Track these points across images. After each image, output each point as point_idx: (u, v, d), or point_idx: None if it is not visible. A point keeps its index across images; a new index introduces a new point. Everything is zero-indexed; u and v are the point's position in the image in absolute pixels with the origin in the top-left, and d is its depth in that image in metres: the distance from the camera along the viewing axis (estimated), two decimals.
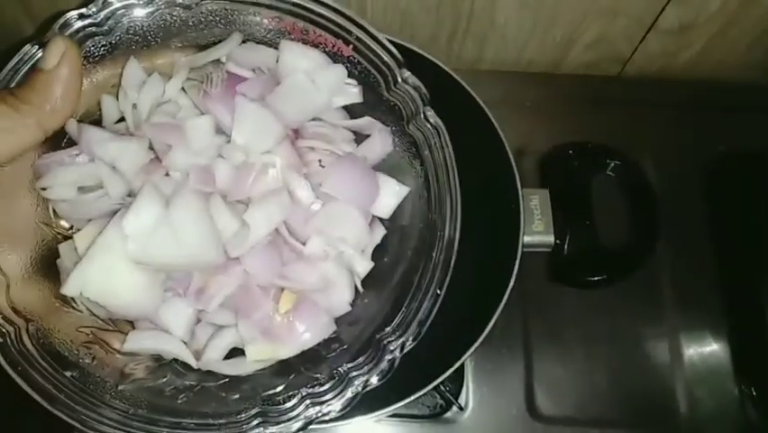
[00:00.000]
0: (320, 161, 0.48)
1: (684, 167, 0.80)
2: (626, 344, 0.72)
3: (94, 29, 0.44)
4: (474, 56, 0.84)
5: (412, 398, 0.56)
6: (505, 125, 0.66)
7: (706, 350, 0.73)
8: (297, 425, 0.41)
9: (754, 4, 0.74)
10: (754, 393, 0.70)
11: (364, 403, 0.59)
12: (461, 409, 0.68)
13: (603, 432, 0.69)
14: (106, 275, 0.42)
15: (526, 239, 0.60)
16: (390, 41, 0.65)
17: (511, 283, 0.58)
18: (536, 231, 0.60)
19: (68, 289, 0.42)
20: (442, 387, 0.66)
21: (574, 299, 0.71)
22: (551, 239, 0.60)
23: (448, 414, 0.68)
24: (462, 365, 0.67)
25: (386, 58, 0.46)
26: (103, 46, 0.45)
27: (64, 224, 0.48)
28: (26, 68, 0.42)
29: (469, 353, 0.58)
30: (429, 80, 0.67)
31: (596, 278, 0.60)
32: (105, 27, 0.44)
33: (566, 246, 0.60)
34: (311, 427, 0.54)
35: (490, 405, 0.69)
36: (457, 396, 0.68)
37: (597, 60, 0.84)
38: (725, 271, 0.75)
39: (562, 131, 0.80)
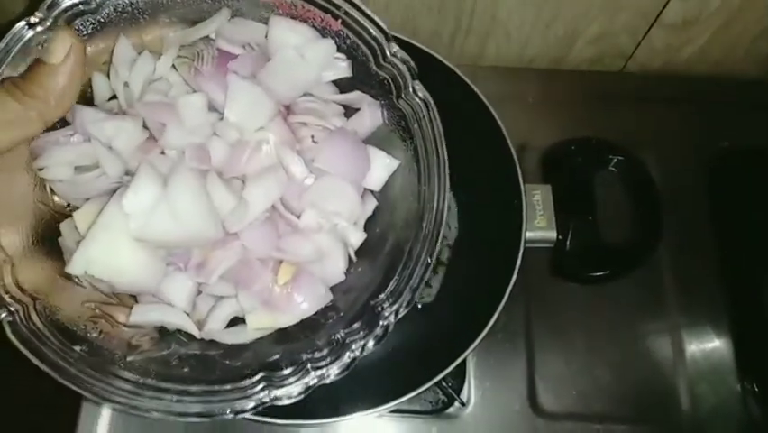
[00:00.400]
0: (312, 136, 0.49)
1: (687, 163, 0.80)
2: (628, 339, 0.72)
3: (82, 7, 0.44)
4: (477, 52, 0.84)
5: (413, 393, 0.57)
6: (507, 121, 0.66)
7: (708, 346, 0.73)
8: (297, 388, 0.42)
9: None
10: (757, 389, 0.70)
11: (366, 399, 0.60)
12: (462, 404, 0.68)
13: (605, 427, 0.69)
14: (109, 253, 0.43)
15: (529, 234, 0.60)
16: (393, 37, 0.65)
17: (513, 279, 0.58)
18: (539, 227, 0.60)
19: (73, 268, 0.42)
20: (444, 382, 0.66)
21: (577, 294, 0.71)
22: (553, 235, 0.60)
23: (450, 409, 0.68)
24: (464, 361, 0.67)
25: (374, 32, 0.46)
26: (91, 24, 0.45)
27: (61, 202, 0.49)
28: (17, 47, 0.42)
29: (471, 348, 0.58)
30: (431, 76, 0.67)
31: (598, 273, 0.60)
32: (93, 5, 0.44)
33: (568, 242, 0.60)
34: (315, 423, 0.55)
35: (493, 400, 0.69)
36: (459, 391, 0.68)
37: (600, 56, 0.84)
38: (727, 267, 0.75)
39: (565, 127, 0.80)
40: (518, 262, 0.59)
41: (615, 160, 0.62)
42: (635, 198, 0.63)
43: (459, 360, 0.58)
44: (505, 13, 0.77)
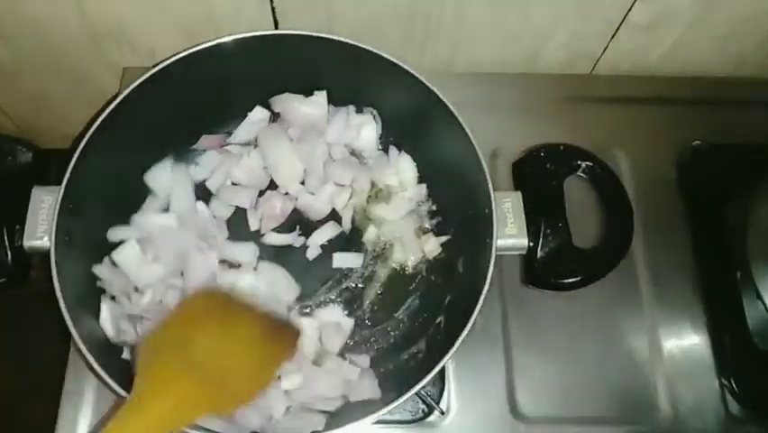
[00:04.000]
0: None
1: (659, 162, 0.81)
2: (605, 340, 0.73)
3: None
4: (447, 58, 0.84)
5: (391, 406, 0.56)
6: (481, 127, 0.66)
7: (686, 344, 0.73)
8: None
9: None
10: (735, 386, 0.70)
11: (350, 413, 0.60)
12: (442, 413, 0.68)
13: (585, 429, 0.69)
14: None
15: (500, 243, 0.60)
16: (359, 48, 0.65)
17: (485, 287, 0.58)
18: (510, 234, 0.60)
19: None
20: (423, 391, 0.66)
21: (553, 298, 0.71)
22: (524, 242, 0.60)
23: (430, 418, 0.68)
24: (443, 369, 0.67)
25: None
26: None
27: None
28: None
29: (446, 358, 0.57)
30: (399, 86, 0.68)
31: (570, 280, 0.60)
32: None
33: (539, 249, 0.60)
34: None
35: (472, 407, 0.69)
36: (439, 400, 0.68)
37: (570, 59, 0.85)
38: (702, 265, 0.76)
39: (538, 130, 0.80)
40: (490, 269, 0.58)
41: (584, 165, 0.62)
42: (604, 203, 0.64)
43: (436, 370, 0.58)
44: (473, 19, 0.77)
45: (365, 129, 0.75)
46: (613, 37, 0.80)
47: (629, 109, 0.83)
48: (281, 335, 0.60)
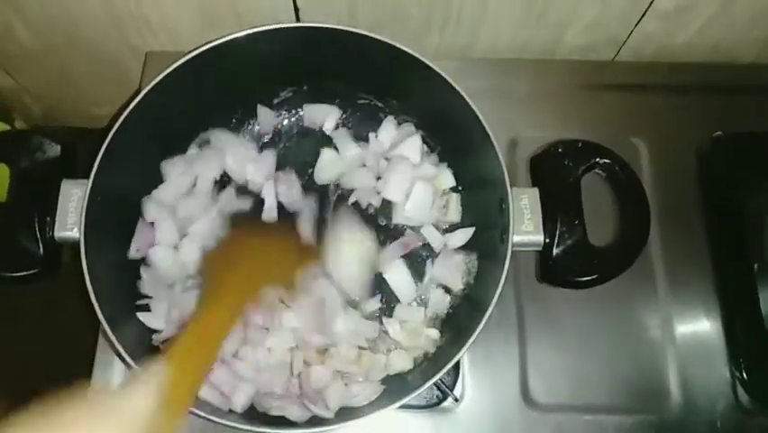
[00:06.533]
0: None
1: (679, 152, 0.80)
2: (619, 330, 0.74)
3: None
4: (467, 43, 0.84)
5: (413, 395, 0.58)
6: (498, 115, 0.65)
7: (699, 335, 0.74)
8: None
9: None
10: (746, 377, 0.71)
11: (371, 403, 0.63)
12: (456, 400, 0.70)
13: (596, 417, 0.70)
14: None
15: (516, 239, 0.60)
16: (373, 39, 0.65)
17: (501, 282, 0.59)
18: (526, 231, 0.61)
19: None
20: (438, 379, 0.68)
21: (567, 289, 0.72)
22: (540, 239, 0.61)
23: (445, 404, 0.70)
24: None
25: None
26: None
27: None
28: None
29: (465, 349, 0.59)
30: (416, 79, 0.68)
31: (584, 279, 0.61)
32: None
33: (555, 246, 0.60)
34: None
35: (486, 395, 0.71)
36: (453, 387, 0.70)
37: (592, 44, 0.83)
38: (717, 256, 0.76)
39: (556, 119, 0.81)
40: (506, 265, 0.59)
41: (602, 162, 0.62)
42: (621, 202, 0.64)
43: (453, 362, 0.59)
44: (495, 2, 0.76)
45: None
46: (639, 22, 0.79)
47: (650, 98, 0.82)
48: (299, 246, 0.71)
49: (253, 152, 0.75)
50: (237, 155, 0.74)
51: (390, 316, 0.70)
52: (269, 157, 0.75)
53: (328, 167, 0.75)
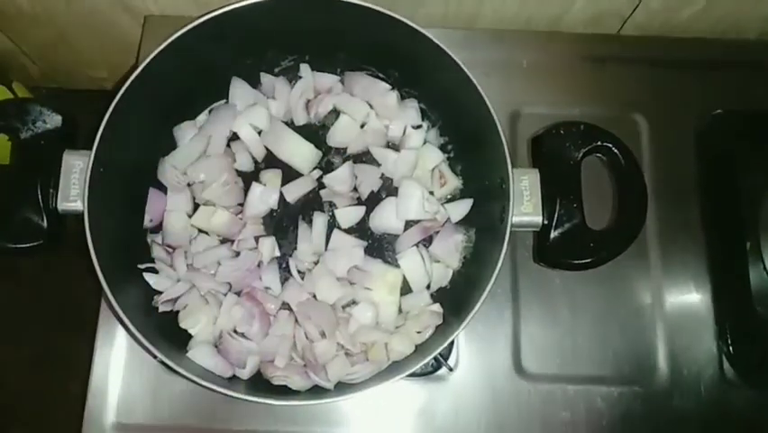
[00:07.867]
0: None
1: (680, 127, 0.80)
2: (610, 304, 0.76)
3: None
4: (473, 12, 0.82)
5: (412, 369, 0.60)
6: (502, 86, 0.64)
7: (688, 309, 0.76)
8: None
9: None
10: (732, 351, 0.74)
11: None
12: (450, 369, 0.72)
13: (585, 387, 0.73)
14: None
15: (515, 219, 0.61)
16: (371, 9, 0.64)
17: (500, 262, 0.60)
18: (525, 212, 0.61)
19: None
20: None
21: None
22: (539, 220, 0.62)
23: (439, 373, 0.73)
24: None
25: None
26: None
27: None
28: None
29: (460, 329, 0.61)
30: (416, 51, 0.67)
31: (580, 261, 0.62)
32: None
33: (553, 229, 0.61)
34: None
35: (479, 365, 0.73)
36: (447, 357, 0.72)
37: (598, 16, 0.82)
38: (710, 233, 0.77)
39: (558, 93, 0.80)
40: (505, 245, 0.60)
41: (602, 145, 0.62)
42: (620, 187, 0.64)
43: (451, 338, 0.61)
44: None
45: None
46: None
47: (653, 72, 0.81)
48: None
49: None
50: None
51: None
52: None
53: (342, 131, 0.75)
